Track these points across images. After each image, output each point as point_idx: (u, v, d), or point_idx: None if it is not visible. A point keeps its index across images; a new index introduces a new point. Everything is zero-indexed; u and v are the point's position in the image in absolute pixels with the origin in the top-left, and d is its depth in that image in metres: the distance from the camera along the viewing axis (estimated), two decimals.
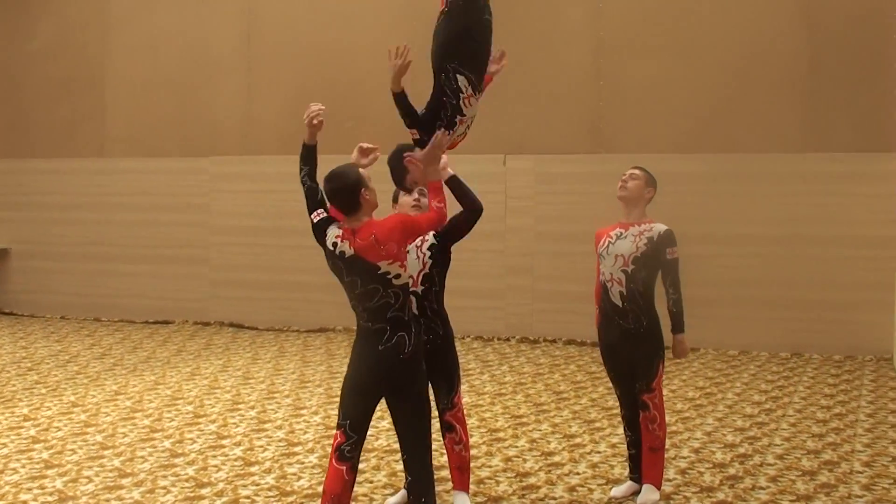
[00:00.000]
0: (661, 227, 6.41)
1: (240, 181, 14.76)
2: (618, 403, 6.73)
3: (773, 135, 12.39)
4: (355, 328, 5.35)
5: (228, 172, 14.85)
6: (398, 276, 5.24)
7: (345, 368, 10.58)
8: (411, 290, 5.84)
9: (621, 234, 6.46)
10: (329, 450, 6.01)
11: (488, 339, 13.19)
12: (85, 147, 15.74)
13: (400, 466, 7.07)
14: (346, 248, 5.23)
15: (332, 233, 5.28)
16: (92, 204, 15.54)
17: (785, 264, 12.22)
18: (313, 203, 5.28)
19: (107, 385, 10.16)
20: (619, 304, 6.37)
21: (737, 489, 6.71)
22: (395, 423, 5.41)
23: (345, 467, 5.16)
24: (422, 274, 6.12)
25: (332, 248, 5.23)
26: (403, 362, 5.20)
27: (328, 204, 5.36)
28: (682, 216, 12.40)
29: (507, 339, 13.13)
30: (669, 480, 6.89)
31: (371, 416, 5.31)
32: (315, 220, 5.28)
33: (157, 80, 15.24)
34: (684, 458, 7.51)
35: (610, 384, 7.61)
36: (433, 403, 5.72)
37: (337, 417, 5.31)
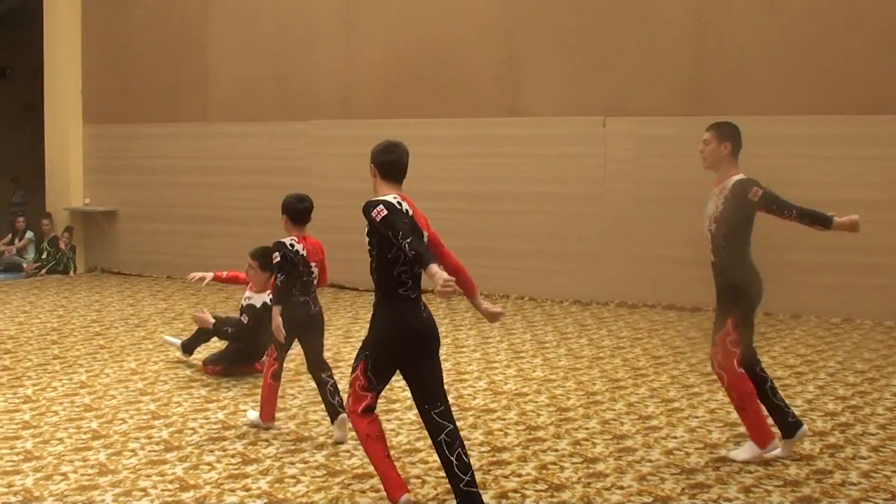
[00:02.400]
0: (732, 180, 6.45)
1: (339, 144, 14.90)
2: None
3: (879, 96, 12.06)
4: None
5: (328, 136, 15.01)
6: None
7: (443, 329, 10.63)
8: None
9: (711, 195, 6.57)
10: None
11: (587, 302, 13.16)
12: (188, 112, 16.05)
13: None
14: (409, 208, 5.55)
15: (392, 197, 5.52)
16: (195, 167, 15.85)
17: (891, 231, 11.92)
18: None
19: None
20: (712, 258, 6.52)
21: (837, 458, 6.62)
22: (428, 380, 5.58)
23: (370, 419, 5.58)
24: None
25: (399, 206, 5.45)
26: (436, 327, 5.61)
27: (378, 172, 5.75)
28: (784, 179, 12.13)
29: (606, 304, 13.07)
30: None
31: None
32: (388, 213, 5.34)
33: (257, 46, 15.45)
34: None
35: None
36: None
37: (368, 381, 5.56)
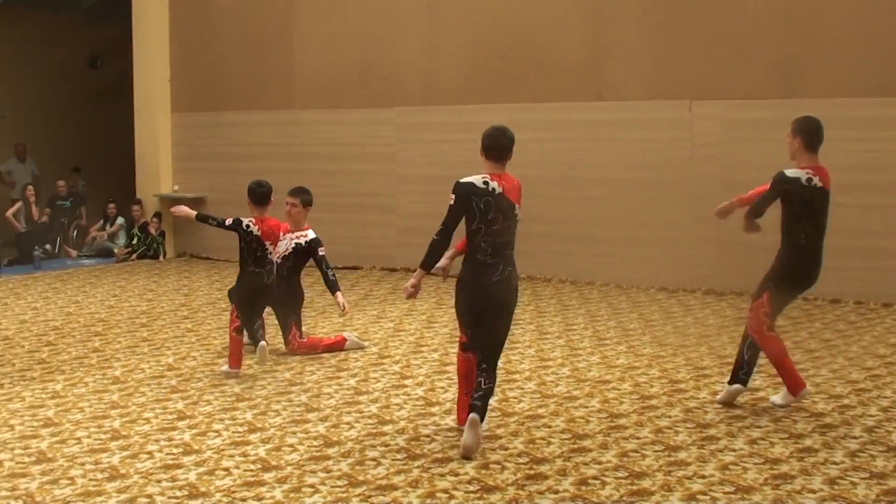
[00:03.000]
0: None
1: (424, 131, 14.93)
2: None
3: None
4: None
5: (413, 122, 15.04)
6: (517, 221, 6.52)
7: (527, 316, 10.65)
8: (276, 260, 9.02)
9: None
10: (507, 395, 6.51)
11: (673, 290, 12.99)
12: (275, 100, 16.21)
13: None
14: (496, 186, 6.43)
15: (479, 178, 6.49)
16: (282, 154, 15.99)
17: None
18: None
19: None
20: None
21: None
22: (486, 337, 6.56)
23: (469, 354, 6.73)
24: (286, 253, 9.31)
25: (483, 185, 6.42)
26: (513, 290, 6.58)
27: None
28: (876, 164, 11.93)
29: (693, 291, 12.89)
30: (855, 438, 6.70)
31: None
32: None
33: (342, 34, 15.53)
34: (871, 416, 7.25)
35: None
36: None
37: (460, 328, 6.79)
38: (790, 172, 7.19)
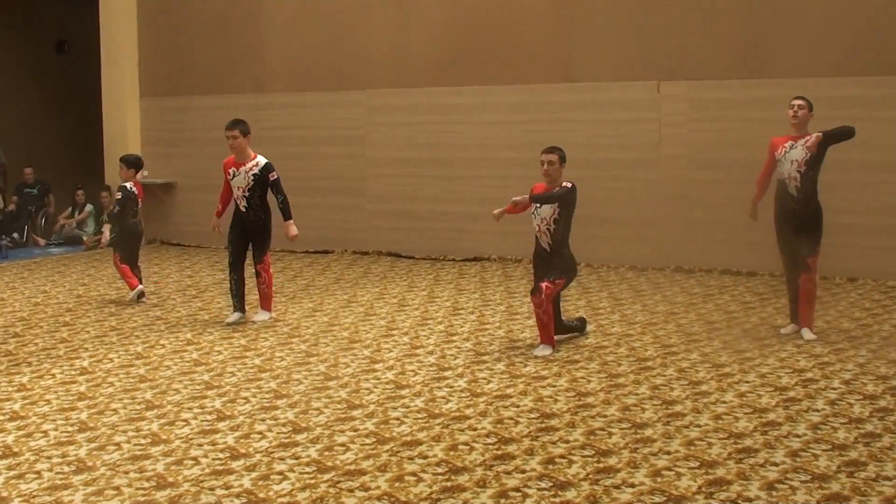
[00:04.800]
0: (814, 135, 8.78)
1: (394, 113, 14.92)
2: (784, 273, 9.30)
3: None
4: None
5: (383, 105, 15.03)
6: None
7: (497, 297, 10.72)
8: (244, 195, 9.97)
9: (793, 144, 8.87)
10: (476, 375, 6.94)
11: (642, 268, 13.08)
12: (243, 83, 16.16)
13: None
14: None
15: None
16: (252, 138, 15.86)
17: None
18: None
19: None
20: (795, 195, 8.84)
21: (886, 421, 6.57)
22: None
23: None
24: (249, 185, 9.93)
25: None
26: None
27: None
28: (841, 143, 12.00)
29: (662, 269, 12.99)
30: (818, 411, 6.78)
31: None
32: None
33: (311, 15, 15.49)
34: (834, 389, 7.34)
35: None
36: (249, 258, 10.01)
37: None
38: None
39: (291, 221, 9.97)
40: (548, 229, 8.69)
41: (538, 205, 8.64)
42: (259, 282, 10.15)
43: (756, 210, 9.36)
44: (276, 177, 9.98)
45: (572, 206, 8.64)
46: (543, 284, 8.42)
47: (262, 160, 10.00)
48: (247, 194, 9.96)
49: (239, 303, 10.15)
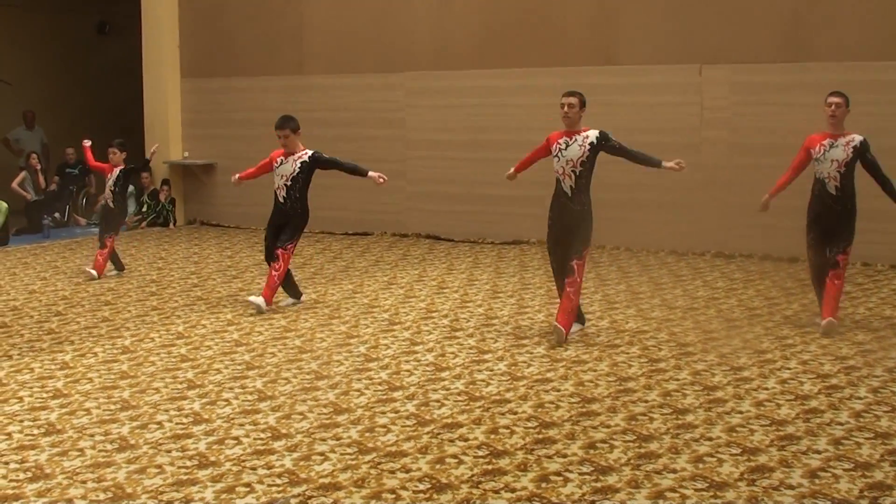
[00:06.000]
0: (859, 138, 8.68)
1: (434, 96, 14.90)
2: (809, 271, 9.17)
3: None
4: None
5: (423, 87, 15.00)
6: None
7: (537, 280, 10.71)
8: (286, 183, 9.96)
9: (833, 143, 8.71)
10: (516, 359, 7.05)
11: (682, 253, 13.00)
12: (284, 65, 16.18)
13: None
14: None
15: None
16: None
17: None
18: None
19: (306, 293, 10.53)
20: (834, 193, 8.70)
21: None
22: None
23: None
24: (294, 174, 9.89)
25: None
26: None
27: None
28: (881, 128, 11.84)
29: (702, 254, 12.90)
30: (861, 398, 6.72)
31: None
32: None
33: None
34: (877, 377, 7.27)
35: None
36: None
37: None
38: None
39: (370, 172, 9.94)
40: (573, 171, 8.55)
41: (562, 146, 8.61)
42: (273, 266, 9.86)
43: (768, 204, 9.30)
44: (326, 156, 10.04)
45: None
46: (574, 263, 8.34)
47: (309, 151, 9.97)
48: (289, 183, 9.89)
49: (292, 290, 10.16)
